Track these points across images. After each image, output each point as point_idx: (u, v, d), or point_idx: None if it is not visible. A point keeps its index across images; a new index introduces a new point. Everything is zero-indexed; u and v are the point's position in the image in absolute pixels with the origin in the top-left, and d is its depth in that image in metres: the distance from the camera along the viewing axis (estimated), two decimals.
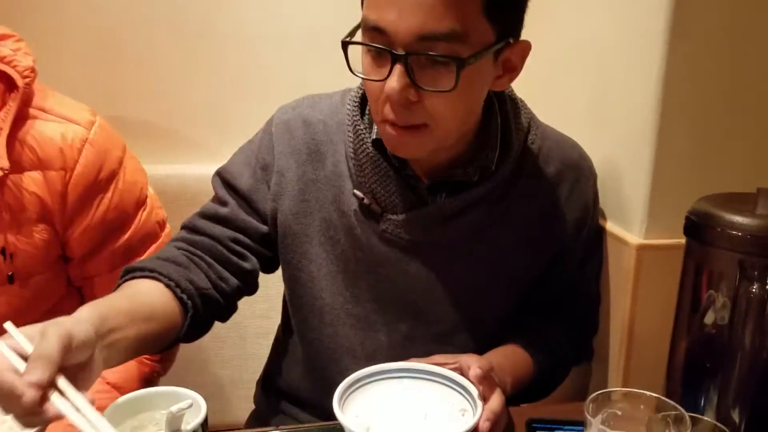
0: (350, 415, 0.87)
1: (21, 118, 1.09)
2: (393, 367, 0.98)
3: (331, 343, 1.11)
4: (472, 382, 0.90)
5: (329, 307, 1.10)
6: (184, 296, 0.99)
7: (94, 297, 1.23)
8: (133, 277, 0.99)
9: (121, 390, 1.18)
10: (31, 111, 1.11)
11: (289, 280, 1.14)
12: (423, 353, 1.00)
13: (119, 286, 0.99)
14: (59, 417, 0.70)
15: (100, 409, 0.85)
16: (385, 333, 1.10)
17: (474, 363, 0.90)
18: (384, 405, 0.92)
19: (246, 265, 1.09)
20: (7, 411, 0.72)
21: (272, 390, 1.28)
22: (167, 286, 0.98)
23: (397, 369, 0.98)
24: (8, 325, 0.74)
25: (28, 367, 0.69)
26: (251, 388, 1.35)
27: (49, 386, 0.69)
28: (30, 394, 0.68)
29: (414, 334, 1.09)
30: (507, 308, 1.11)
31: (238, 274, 1.09)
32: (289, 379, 1.22)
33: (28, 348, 0.72)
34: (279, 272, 1.21)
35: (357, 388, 0.95)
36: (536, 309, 1.14)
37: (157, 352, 1.09)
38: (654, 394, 0.71)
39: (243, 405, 1.34)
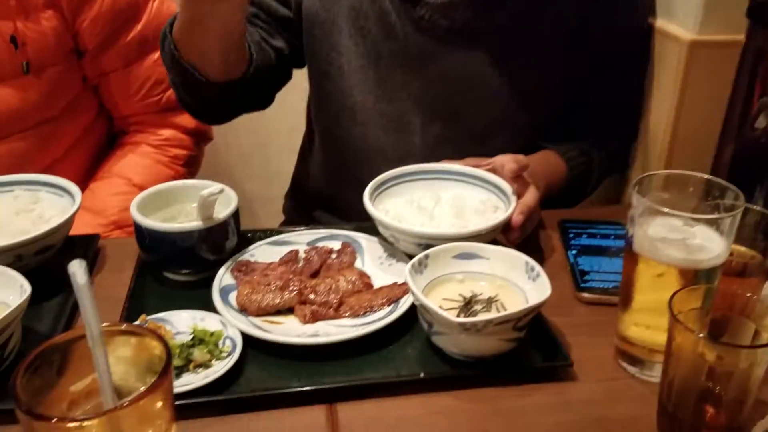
0: (381, 210, 0.87)
1: None
2: (426, 167, 0.95)
3: (362, 145, 1.09)
4: (506, 179, 0.88)
5: (360, 106, 1.06)
6: (253, 48, 0.97)
7: (110, 95, 1.21)
8: None
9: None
10: None
11: (318, 77, 1.09)
12: (457, 156, 0.97)
13: None
14: None
15: (127, 209, 0.85)
16: (418, 134, 1.07)
17: (509, 160, 0.88)
18: (414, 204, 0.91)
19: (276, 42, 1.05)
20: None
21: (301, 199, 1.28)
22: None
23: (429, 170, 0.96)
24: None
25: None
26: (279, 204, 1.36)
27: None
28: None
29: (448, 135, 1.06)
30: (546, 111, 1.06)
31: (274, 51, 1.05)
32: (317, 186, 1.22)
33: None
34: (304, 90, 1.16)
35: (389, 187, 0.94)
36: (575, 115, 1.10)
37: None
38: (704, 175, 0.68)
39: (271, 220, 1.36)
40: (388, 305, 0.78)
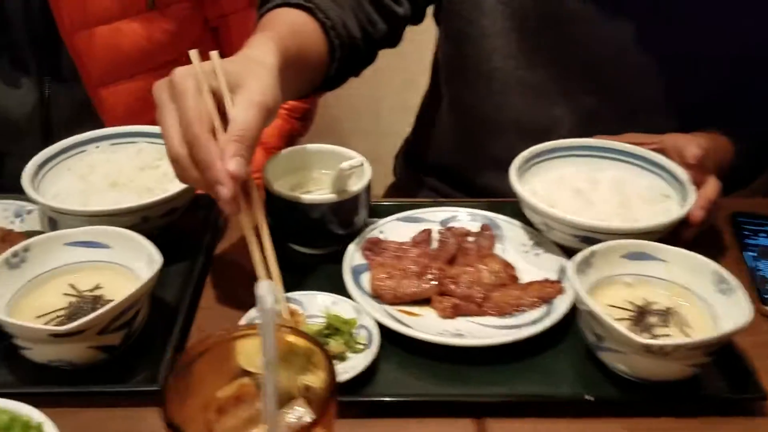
0: (526, 191, 0.76)
1: None
2: (579, 143, 0.84)
3: (496, 114, 0.98)
4: (682, 164, 0.76)
5: (499, 72, 0.95)
6: (336, 41, 0.86)
7: (230, 40, 1.14)
8: (286, 3, 0.85)
9: (263, 145, 1.13)
10: None
11: (455, 37, 0.98)
12: (605, 134, 0.86)
13: (268, 12, 0.85)
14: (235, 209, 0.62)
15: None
16: (562, 106, 0.95)
17: (688, 142, 0.75)
18: (566, 185, 0.80)
19: (399, 9, 0.94)
20: (181, 177, 0.64)
21: (415, 163, 1.19)
22: (322, 25, 0.84)
23: (582, 146, 0.84)
24: (214, 55, 0.64)
25: (230, 148, 0.59)
26: (388, 164, 1.27)
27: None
28: (227, 189, 0.59)
29: (597, 110, 0.93)
30: (715, 89, 0.92)
31: (388, 19, 0.93)
32: (438, 154, 1.12)
33: (227, 96, 0.63)
34: (420, 42, 1.05)
35: (534, 164, 0.83)
36: (746, 96, 0.95)
37: (296, 98, 1.00)
38: None
39: (380, 180, 1.28)
40: (540, 305, 0.69)
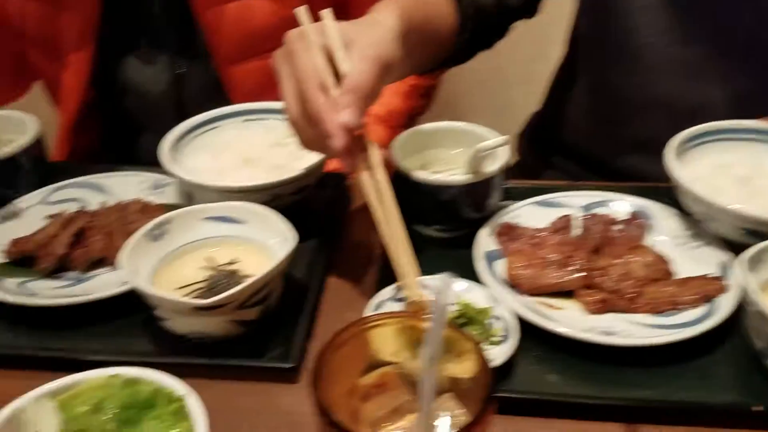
0: (686, 177, 0.69)
1: None
2: (742, 125, 0.75)
3: (642, 94, 0.90)
4: None
5: (647, 49, 0.87)
6: (469, 11, 0.82)
7: (357, 15, 1.11)
8: None
9: (387, 123, 1.10)
10: None
11: (596, 10, 0.91)
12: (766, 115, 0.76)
13: None
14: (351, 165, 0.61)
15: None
16: (717, 87, 0.86)
17: None
18: (728, 172, 0.72)
19: None
20: (300, 141, 0.64)
21: (544, 142, 1.13)
22: None
23: (746, 128, 0.75)
24: (326, 14, 0.63)
25: (342, 100, 0.58)
26: (512, 140, 1.21)
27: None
28: (339, 139, 0.58)
29: (754, 92, 0.84)
30: None
31: None
32: (569, 132, 1.05)
33: (339, 52, 0.61)
34: (552, 10, 0.98)
35: (689, 148, 0.75)
36: None
37: (421, 72, 0.97)
38: None
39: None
40: (700, 304, 0.62)
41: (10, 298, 0.65)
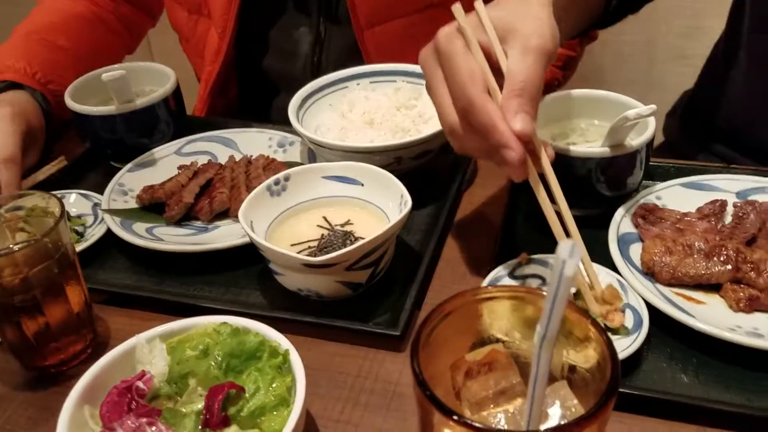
0: None
1: None
2: None
3: None
4: None
5: None
6: None
7: None
8: None
9: None
10: None
11: None
12: None
13: None
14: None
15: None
16: None
17: None
18: None
19: None
20: (460, 148, 0.57)
21: (697, 122, 1.02)
22: None
23: None
24: (479, 5, 0.56)
25: (511, 104, 0.51)
26: (658, 121, 1.11)
27: None
28: (516, 151, 0.51)
29: None
30: None
31: None
32: (726, 113, 0.94)
33: (497, 46, 0.54)
34: None
35: None
36: None
37: (570, 38, 0.89)
38: None
39: None
40: None
41: (140, 242, 0.68)
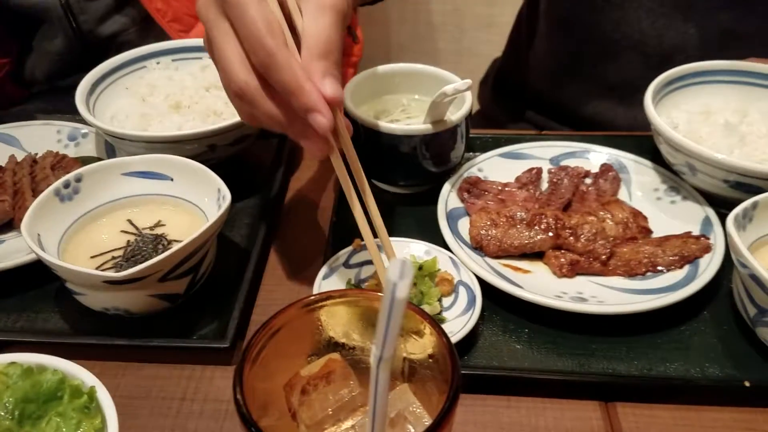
0: (666, 123, 0.62)
1: None
2: (726, 66, 0.69)
3: (613, 33, 0.83)
4: None
5: None
6: None
7: None
8: None
9: None
10: None
11: None
12: (746, 56, 0.70)
13: None
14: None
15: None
16: (695, 24, 0.79)
17: None
18: (713, 117, 0.66)
19: None
20: (250, 116, 0.49)
21: (507, 90, 1.05)
22: None
23: (732, 70, 0.69)
24: None
25: (316, 66, 0.45)
26: (473, 88, 1.14)
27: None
28: (326, 116, 0.45)
29: (739, 28, 0.77)
30: None
31: None
32: (534, 81, 0.98)
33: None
34: None
35: (669, 92, 0.68)
36: None
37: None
38: None
39: None
40: (680, 266, 0.56)
41: None
